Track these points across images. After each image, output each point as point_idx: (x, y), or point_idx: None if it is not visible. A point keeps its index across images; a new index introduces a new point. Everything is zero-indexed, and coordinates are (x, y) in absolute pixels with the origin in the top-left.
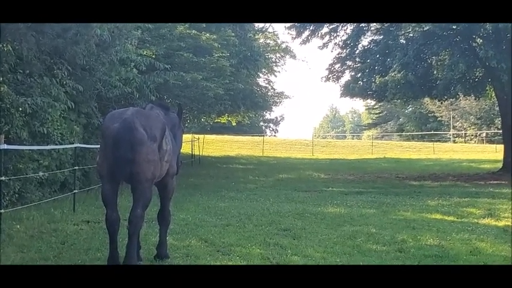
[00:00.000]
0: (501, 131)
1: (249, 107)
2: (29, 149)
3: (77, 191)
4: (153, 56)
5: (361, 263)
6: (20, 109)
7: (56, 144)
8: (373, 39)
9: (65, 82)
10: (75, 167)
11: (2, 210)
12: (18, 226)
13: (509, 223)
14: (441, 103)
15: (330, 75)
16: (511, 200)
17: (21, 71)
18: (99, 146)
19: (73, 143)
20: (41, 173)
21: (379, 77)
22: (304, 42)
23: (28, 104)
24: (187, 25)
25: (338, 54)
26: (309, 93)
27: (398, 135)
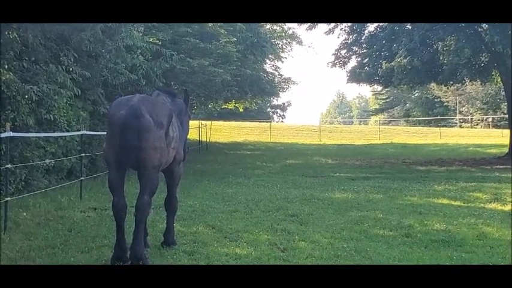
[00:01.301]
0: (507, 116)
1: (256, 93)
2: (36, 136)
3: (83, 178)
4: (159, 43)
5: (368, 249)
6: (26, 96)
7: (63, 132)
8: (379, 24)
9: (71, 69)
10: (81, 154)
11: (9, 198)
12: (24, 214)
13: None
14: (447, 88)
15: (337, 61)
16: None
17: (26, 58)
18: (105, 133)
19: (80, 130)
20: (47, 161)
21: (386, 63)
22: (310, 28)
23: (34, 91)
24: None
25: (344, 40)
26: (315, 79)
27: (405, 120)
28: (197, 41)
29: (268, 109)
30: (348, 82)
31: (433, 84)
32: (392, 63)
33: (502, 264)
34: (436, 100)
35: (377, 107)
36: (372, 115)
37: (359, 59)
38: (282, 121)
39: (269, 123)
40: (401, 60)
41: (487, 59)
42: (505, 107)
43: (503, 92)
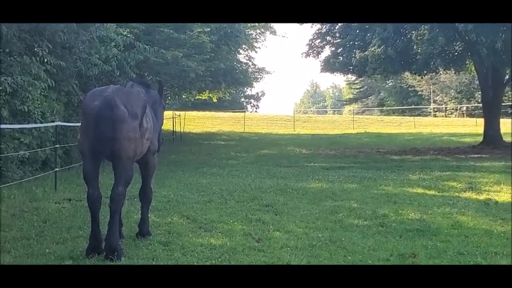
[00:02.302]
0: (481, 105)
1: (230, 84)
2: (10, 128)
3: (58, 169)
4: (133, 35)
5: (343, 239)
6: (0, 88)
7: (37, 123)
8: None
9: (45, 60)
10: (56, 145)
11: None
12: None
13: (490, 196)
14: (421, 77)
15: (310, 51)
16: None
17: (1, 50)
18: (80, 124)
19: (54, 121)
20: (21, 152)
21: (359, 52)
22: None
23: (8, 83)
24: None
25: (318, 29)
26: (289, 68)
27: (379, 109)
28: (171, 31)
29: (242, 99)
30: (321, 72)
31: (407, 74)
32: (366, 53)
33: (502, 264)
34: (410, 89)
35: (351, 96)
36: (346, 105)
37: (333, 49)
38: (255, 111)
39: (243, 114)
40: (375, 49)
41: (460, 48)
42: (479, 96)
43: (477, 81)
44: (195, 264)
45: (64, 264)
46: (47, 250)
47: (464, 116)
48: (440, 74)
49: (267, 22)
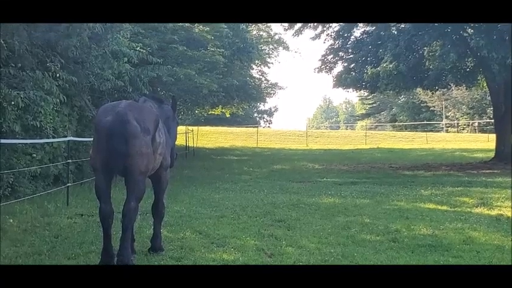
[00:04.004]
0: (493, 121)
1: (243, 99)
2: (22, 143)
3: (70, 184)
4: (146, 50)
5: (355, 254)
6: (13, 103)
7: (49, 138)
8: (365, 30)
9: (57, 75)
10: (68, 160)
11: None
12: (11, 220)
13: (502, 212)
14: (433, 93)
15: (323, 66)
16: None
17: (13, 65)
18: (92, 139)
19: (66, 136)
20: (34, 167)
21: (371, 68)
22: (297, 33)
23: (21, 97)
24: None
25: (331, 45)
26: (302, 84)
27: (391, 125)
28: (184, 48)
29: (255, 114)
30: (334, 87)
31: (419, 89)
32: (378, 69)
33: (502, 264)
34: (422, 105)
35: (363, 112)
36: (359, 120)
37: (345, 64)
38: (268, 126)
39: (256, 129)
40: (387, 65)
41: (472, 64)
42: (491, 112)
43: (489, 97)
44: (197, 264)
45: (64, 264)
46: None
47: (476, 132)
48: (452, 89)
49: (268, 22)
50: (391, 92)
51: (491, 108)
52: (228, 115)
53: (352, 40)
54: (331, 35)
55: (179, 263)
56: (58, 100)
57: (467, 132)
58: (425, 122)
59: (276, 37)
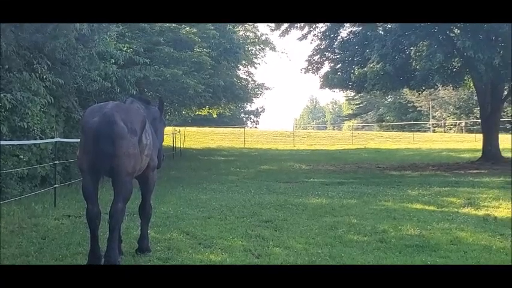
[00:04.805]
0: (480, 121)
1: (230, 99)
2: (9, 144)
3: (57, 185)
4: (133, 49)
5: (342, 255)
6: (0, 104)
7: (36, 139)
8: (351, 30)
9: (44, 76)
10: (55, 162)
11: None
12: None
13: (489, 212)
14: (419, 93)
15: (310, 67)
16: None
17: (0, 66)
18: (79, 140)
19: (53, 138)
20: (21, 168)
21: (358, 68)
22: (284, 34)
23: (7, 99)
24: None
25: (317, 45)
26: (289, 84)
27: (378, 125)
28: (171, 50)
29: (242, 115)
30: (321, 87)
31: (405, 90)
32: (365, 69)
33: (501, 264)
34: (409, 105)
35: (350, 112)
36: (346, 120)
37: (332, 65)
38: (255, 127)
39: (243, 129)
40: (373, 65)
41: (459, 64)
42: (478, 112)
43: (476, 97)
44: (195, 264)
45: (64, 264)
46: None
47: (463, 132)
48: (439, 89)
49: (263, 22)
50: (378, 92)
51: (478, 108)
52: (215, 116)
53: (338, 40)
54: (317, 36)
55: (166, 264)
56: (45, 101)
57: (454, 132)
58: (412, 122)
59: (263, 38)
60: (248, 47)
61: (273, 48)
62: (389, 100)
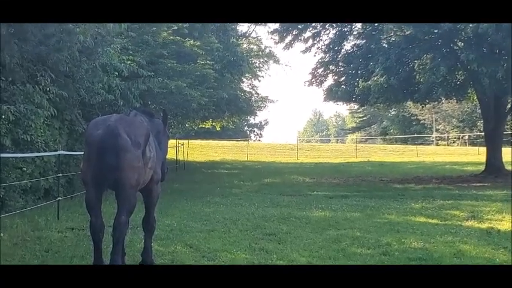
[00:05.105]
0: (483, 134)
1: (233, 112)
2: (12, 157)
3: (61, 198)
4: (136, 62)
5: None
6: (3, 116)
7: (40, 152)
8: (355, 43)
9: (48, 89)
10: (59, 174)
11: None
12: (1, 234)
13: (492, 225)
14: (422, 107)
15: (313, 80)
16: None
17: (3, 79)
18: (83, 153)
19: (57, 150)
20: (24, 181)
21: (362, 81)
22: (287, 46)
23: (11, 111)
24: (170, 31)
25: (321, 58)
26: (292, 97)
27: (382, 138)
28: (174, 63)
29: (246, 128)
30: (324, 100)
31: (409, 103)
32: (369, 82)
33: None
34: (412, 118)
35: (354, 125)
36: (349, 133)
37: (336, 78)
38: (259, 140)
39: (246, 142)
40: (377, 78)
41: (462, 77)
42: (481, 125)
43: (479, 110)
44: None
45: (64, 264)
46: None
47: (466, 145)
48: (443, 103)
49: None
50: (382, 105)
51: (482, 121)
52: (218, 128)
53: (342, 53)
54: (321, 48)
55: (167, 264)
56: (48, 114)
57: (457, 145)
58: (415, 135)
59: (267, 50)
60: (252, 60)
61: (277, 61)
62: (392, 113)
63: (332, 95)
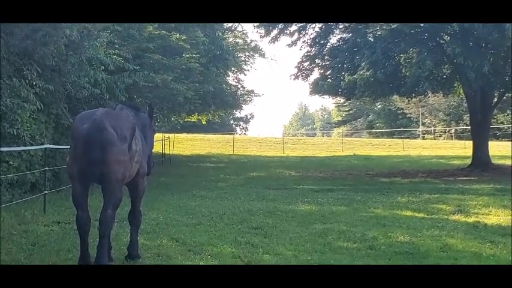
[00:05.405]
0: (470, 127)
1: (219, 106)
2: None
3: (47, 192)
4: (122, 58)
5: (332, 262)
6: None
7: (26, 145)
8: (341, 37)
9: (34, 83)
10: (45, 168)
11: None
12: None
13: (479, 219)
14: (409, 100)
15: (299, 73)
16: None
17: None
18: (69, 146)
19: (43, 144)
20: (10, 175)
21: (348, 75)
22: (273, 40)
23: None
24: (156, 25)
25: (307, 52)
26: (278, 91)
27: (368, 132)
28: (160, 57)
29: (231, 121)
30: (310, 94)
31: (395, 96)
32: (355, 76)
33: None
34: (398, 112)
35: (340, 118)
36: (335, 127)
37: (321, 71)
38: (245, 133)
39: (232, 136)
40: (363, 72)
41: (449, 71)
42: (468, 119)
43: (466, 104)
44: (193, 264)
45: (64, 264)
46: None
47: (452, 139)
48: (429, 96)
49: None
50: (368, 99)
51: (468, 115)
52: (204, 122)
53: (328, 47)
54: (307, 42)
55: (159, 264)
56: (35, 108)
57: (443, 139)
58: (401, 129)
59: (252, 44)
60: (237, 54)
61: (263, 55)
62: (379, 107)
63: (318, 88)
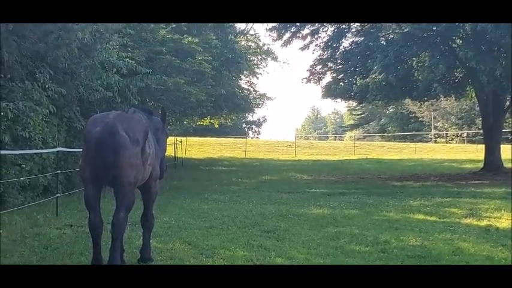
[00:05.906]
0: (482, 131)
1: (232, 109)
2: (11, 154)
3: (59, 195)
4: (135, 60)
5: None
6: (2, 114)
7: (38, 149)
8: (354, 40)
9: (47, 86)
10: (57, 171)
11: None
12: (0, 231)
13: (491, 223)
14: (421, 104)
15: (311, 77)
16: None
17: (2, 76)
18: (81, 149)
19: (55, 147)
20: (23, 178)
21: (360, 79)
22: (286, 44)
23: (10, 108)
24: (169, 28)
25: (319, 55)
26: (290, 94)
27: (380, 135)
28: (172, 58)
29: (244, 125)
30: (322, 98)
31: (407, 100)
32: (367, 79)
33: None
34: (411, 115)
35: (352, 122)
36: (347, 130)
37: (334, 75)
38: (257, 137)
39: (244, 139)
40: (376, 76)
41: (461, 75)
42: (480, 122)
43: (478, 108)
44: (195, 264)
45: (63, 260)
46: None
47: (465, 142)
48: (441, 100)
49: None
50: (380, 102)
51: (480, 118)
52: (216, 126)
53: (341, 50)
54: (319, 46)
55: (167, 264)
56: (47, 111)
57: (456, 142)
58: (414, 133)
59: (265, 48)
60: (250, 57)
61: (275, 58)
62: (391, 110)
63: (330, 92)
